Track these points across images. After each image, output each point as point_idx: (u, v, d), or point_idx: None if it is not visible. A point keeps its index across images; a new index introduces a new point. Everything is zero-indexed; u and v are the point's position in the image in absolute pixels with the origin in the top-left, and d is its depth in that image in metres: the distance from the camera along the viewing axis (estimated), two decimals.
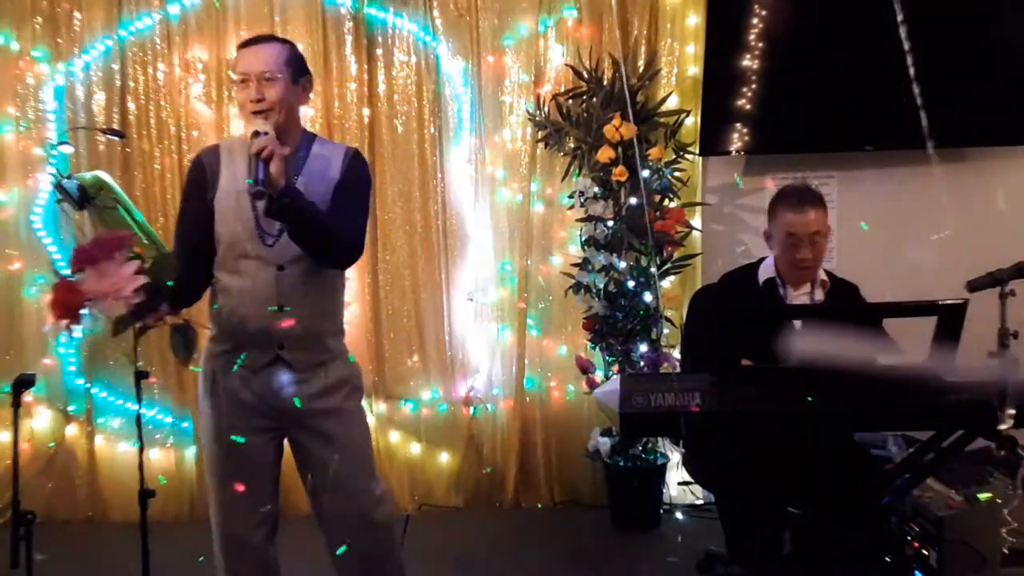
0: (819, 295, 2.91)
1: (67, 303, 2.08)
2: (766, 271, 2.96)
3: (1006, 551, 3.00)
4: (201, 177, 2.39)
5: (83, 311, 2.09)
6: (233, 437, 2.38)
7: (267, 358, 2.36)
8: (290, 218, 2.19)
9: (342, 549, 2.45)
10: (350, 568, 2.50)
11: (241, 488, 2.38)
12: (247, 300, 2.34)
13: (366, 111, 4.12)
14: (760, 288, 2.93)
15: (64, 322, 2.10)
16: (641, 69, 4.10)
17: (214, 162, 2.39)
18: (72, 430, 4.18)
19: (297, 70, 2.36)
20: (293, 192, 2.17)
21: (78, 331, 2.18)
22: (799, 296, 2.91)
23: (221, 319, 2.40)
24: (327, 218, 2.27)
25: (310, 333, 2.37)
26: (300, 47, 2.46)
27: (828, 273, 2.98)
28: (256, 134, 2.17)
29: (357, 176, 2.41)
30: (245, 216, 2.32)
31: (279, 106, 2.28)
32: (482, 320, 4.30)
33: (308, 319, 2.35)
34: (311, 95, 2.49)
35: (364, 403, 2.57)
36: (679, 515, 4.09)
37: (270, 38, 2.40)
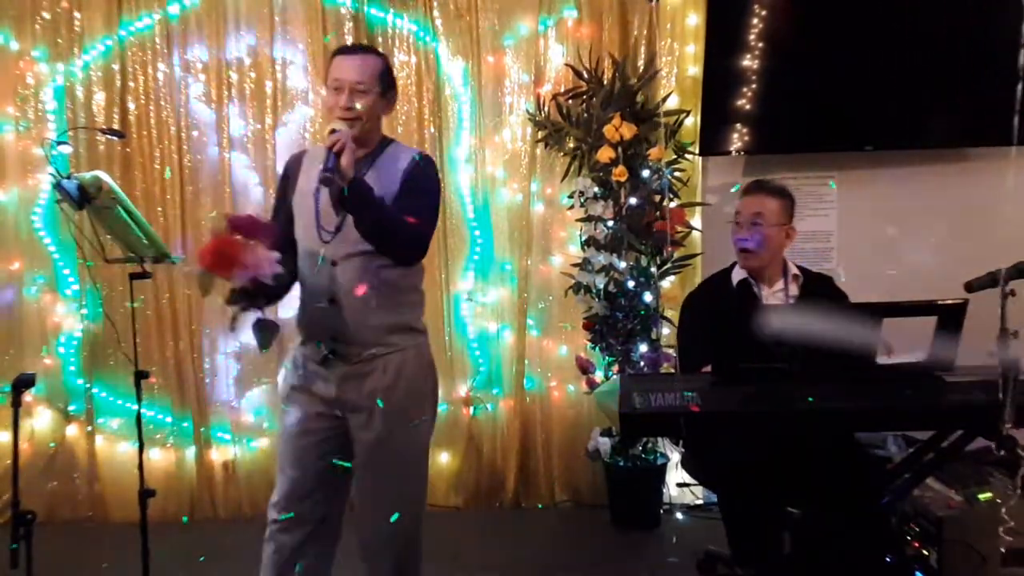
0: (793, 290, 2.94)
1: (226, 254, 2.22)
2: (739, 272, 2.99)
3: (1006, 551, 3.00)
4: (284, 181, 2.57)
5: (232, 269, 2.21)
6: (290, 428, 2.49)
7: (325, 350, 2.46)
8: (356, 209, 2.27)
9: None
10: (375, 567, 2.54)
11: (288, 475, 2.48)
12: (309, 294, 2.48)
13: None
14: (734, 289, 2.95)
15: (208, 271, 2.23)
16: (641, 69, 4.10)
17: (296, 166, 2.55)
18: (72, 430, 4.18)
19: (387, 84, 2.49)
20: (361, 184, 2.26)
21: (217, 285, 2.29)
22: (774, 293, 2.93)
23: (297, 313, 2.54)
24: (392, 213, 2.35)
25: (363, 326, 2.42)
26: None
27: (801, 268, 3.00)
28: (333, 131, 2.29)
29: (420, 179, 2.47)
30: (309, 214, 2.42)
31: (366, 116, 2.42)
32: (482, 320, 4.31)
33: (361, 312, 2.41)
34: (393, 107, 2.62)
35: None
36: (679, 515, 4.09)
37: (368, 49, 2.54)
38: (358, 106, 2.39)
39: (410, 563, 2.57)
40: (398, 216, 2.35)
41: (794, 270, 2.97)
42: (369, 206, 2.29)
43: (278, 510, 2.48)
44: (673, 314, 4.02)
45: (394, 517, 2.46)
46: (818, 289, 2.95)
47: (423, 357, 2.54)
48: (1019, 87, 3.88)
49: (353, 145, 2.27)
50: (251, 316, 2.36)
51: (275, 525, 2.48)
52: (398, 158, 2.50)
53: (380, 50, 2.54)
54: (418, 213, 2.40)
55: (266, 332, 2.38)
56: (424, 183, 2.49)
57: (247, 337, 4.04)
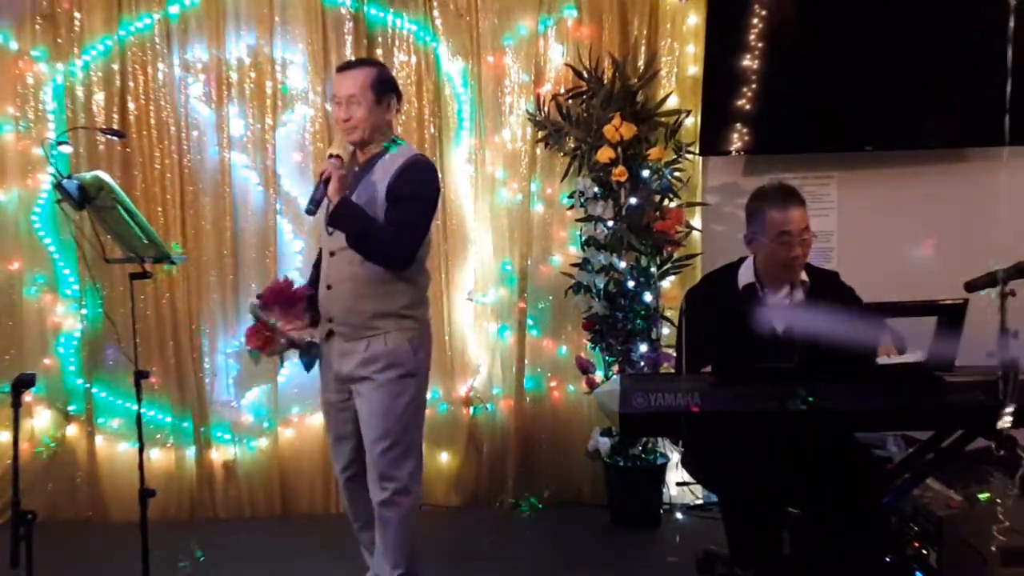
0: (799, 296, 2.88)
1: (263, 336, 2.76)
2: (745, 275, 2.93)
3: (1005, 551, 2.99)
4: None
5: (272, 344, 2.75)
6: (323, 399, 3.01)
7: (327, 329, 2.85)
8: (342, 227, 2.65)
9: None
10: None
11: (331, 438, 3.00)
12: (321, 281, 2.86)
13: None
14: (739, 292, 2.90)
15: (253, 350, 2.80)
16: (641, 69, 4.11)
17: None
18: (72, 430, 4.18)
19: (381, 92, 2.75)
20: (344, 209, 2.61)
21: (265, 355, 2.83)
22: (780, 299, 2.89)
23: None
24: (374, 228, 2.67)
25: (350, 311, 2.78)
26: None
27: (808, 268, 2.93)
28: (330, 156, 2.66)
29: (404, 184, 2.71)
30: (324, 211, 2.72)
31: (362, 124, 2.72)
32: (482, 320, 4.31)
33: (348, 299, 2.77)
34: (397, 110, 2.89)
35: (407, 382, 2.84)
36: (679, 515, 4.10)
37: (361, 63, 2.85)
38: (354, 115, 2.70)
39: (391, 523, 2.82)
40: (381, 231, 2.66)
41: (802, 275, 2.91)
42: (353, 225, 2.63)
43: (342, 473, 2.98)
44: (673, 314, 4.03)
45: (372, 463, 2.80)
46: (824, 289, 2.90)
47: (408, 335, 2.81)
48: (1017, 87, 3.90)
49: (342, 171, 2.62)
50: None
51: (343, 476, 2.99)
52: (394, 163, 2.73)
53: (374, 59, 2.79)
54: (400, 222, 2.69)
55: (313, 356, 2.84)
56: (409, 188, 2.70)
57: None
